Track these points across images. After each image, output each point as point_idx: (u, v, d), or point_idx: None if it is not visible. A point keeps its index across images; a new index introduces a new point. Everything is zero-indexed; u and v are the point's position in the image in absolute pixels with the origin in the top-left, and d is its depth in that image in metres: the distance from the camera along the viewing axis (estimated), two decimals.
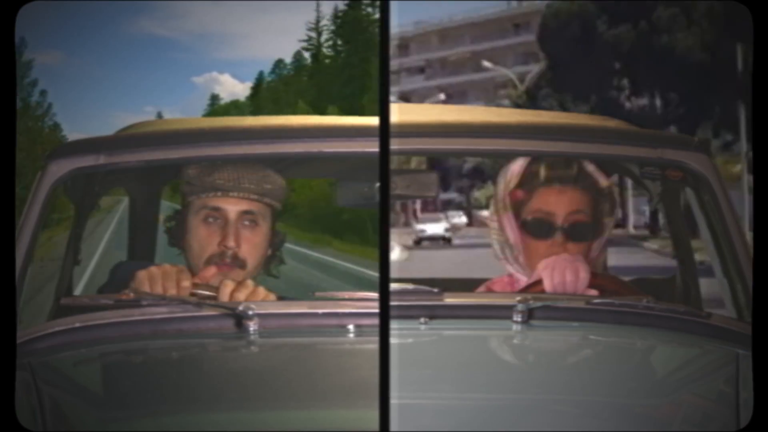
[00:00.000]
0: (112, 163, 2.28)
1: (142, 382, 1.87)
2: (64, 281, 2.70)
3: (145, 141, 2.34)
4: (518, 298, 2.07)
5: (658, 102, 29.52)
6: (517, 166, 2.46)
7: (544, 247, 2.38)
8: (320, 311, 2.04)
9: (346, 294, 2.08)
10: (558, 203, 2.40)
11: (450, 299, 2.08)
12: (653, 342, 2.09)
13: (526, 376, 1.84)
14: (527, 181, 2.44)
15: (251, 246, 2.37)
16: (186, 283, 2.22)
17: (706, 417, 1.71)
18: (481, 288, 2.52)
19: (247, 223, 2.37)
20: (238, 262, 2.35)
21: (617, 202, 2.50)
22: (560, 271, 2.28)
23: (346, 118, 2.39)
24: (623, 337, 2.08)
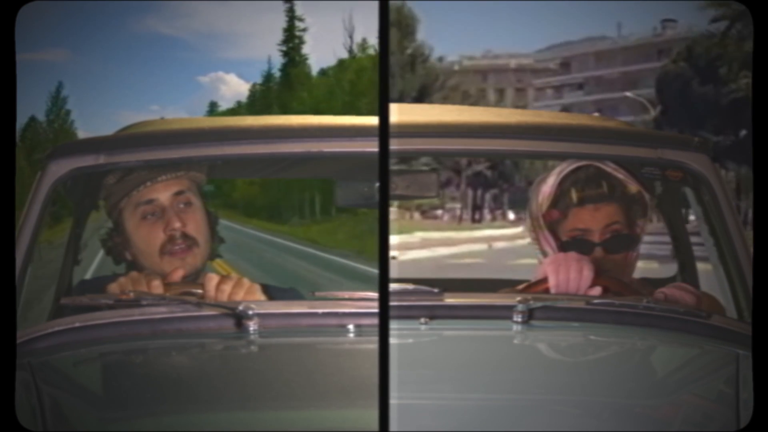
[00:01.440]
0: (112, 162, 2.28)
1: (141, 382, 1.86)
2: (64, 281, 2.70)
3: (145, 141, 2.34)
4: (518, 298, 2.07)
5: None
6: (547, 187, 2.46)
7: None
8: (320, 311, 2.04)
9: (346, 294, 2.08)
10: (593, 220, 2.42)
11: (450, 299, 2.08)
12: (653, 342, 2.09)
13: (526, 377, 1.84)
14: (560, 201, 2.45)
15: (195, 223, 2.39)
16: (156, 283, 2.21)
17: (706, 417, 1.71)
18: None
19: (182, 205, 2.39)
20: (189, 241, 2.36)
21: (648, 203, 2.50)
22: (565, 269, 2.27)
23: (345, 118, 2.39)
24: (623, 338, 2.08)
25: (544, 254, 2.49)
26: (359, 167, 2.66)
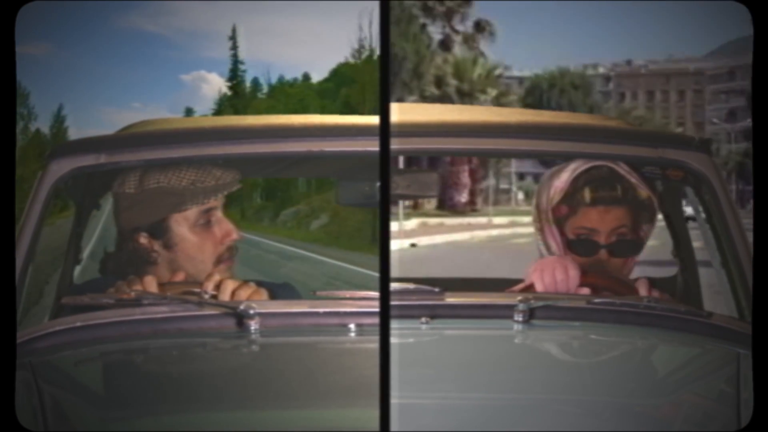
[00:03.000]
0: (113, 162, 2.28)
1: (142, 382, 1.86)
2: (65, 280, 2.70)
3: (146, 140, 2.34)
4: (519, 297, 2.07)
5: None
6: (560, 183, 2.46)
7: (587, 263, 2.39)
8: (321, 310, 2.04)
9: (347, 293, 2.08)
10: (602, 221, 2.41)
11: (451, 299, 2.08)
12: (654, 341, 2.09)
13: (526, 376, 1.84)
14: (571, 198, 2.44)
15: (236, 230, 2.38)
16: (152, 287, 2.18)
17: (707, 416, 1.71)
18: (534, 268, 2.49)
19: (220, 213, 2.37)
20: (234, 250, 2.36)
21: (657, 210, 2.50)
22: (550, 272, 2.29)
23: (346, 117, 2.39)
24: (624, 337, 2.08)
25: (548, 247, 2.48)
26: (360, 167, 2.66)
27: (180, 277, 2.29)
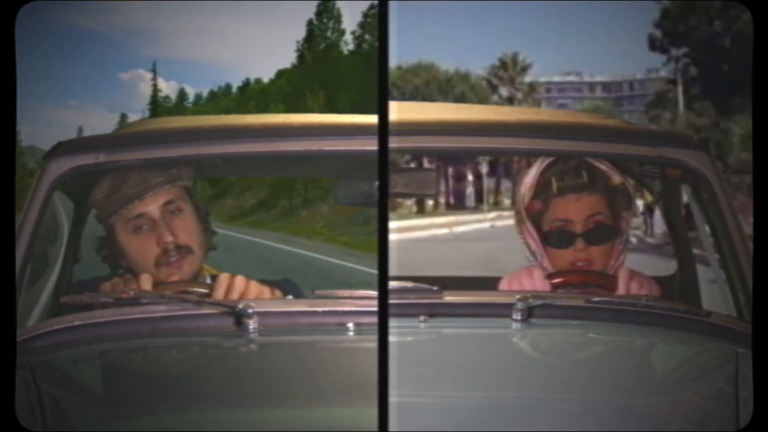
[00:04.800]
0: (112, 161, 2.28)
1: (141, 381, 1.86)
2: (64, 280, 2.70)
3: (145, 139, 2.34)
4: (518, 296, 2.07)
5: None
6: (529, 178, 2.47)
7: (568, 254, 2.40)
8: (319, 309, 2.04)
9: (346, 292, 2.08)
10: (574, 210, 2.41)
11: (449, 297, 2.08)
12: (653, 340, 2.09)
13: (525, 375, 1.84)
14: (541, 192, 2.45)
15: (186, 231, 2.38)
16: (147, 285, 2.21)
17: (706, 416, 1.71)
18: (504, 280, 2.52)
19: (171, 213, 2.38)
20: (183, 251, 2.36)
21: (633, 195, 2.50)
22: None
23: (345, 116, 2.39)
24: (623, 336, 2.08)
25: (528, 247, 2.49)
26: (359, 165, 2.66)
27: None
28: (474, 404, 1.63)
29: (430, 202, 39.60)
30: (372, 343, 1.65)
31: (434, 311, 2.04)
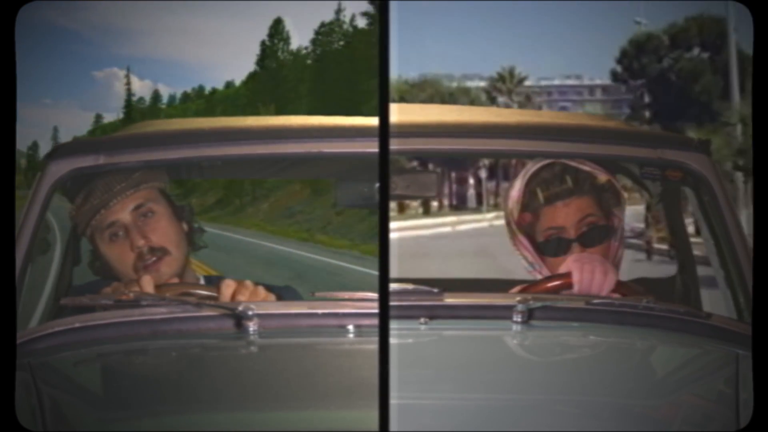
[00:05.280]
0: (112, 163, 2.28)
1: (141, 383, 1.86)
2: (64, 281, 2.70)
3: (145, 141, 2.34)
4: (518, 298, 2.07)
5: None
6: (515, 192, 2.45)
7: (565, 262, 2.38)
8: (320, 311, 2.04)
9: (346, 294, 2.08)
10: (565, 217, 2.39)
11: (450, 299, 2.08)
12: (653, 342, 2.09)
13: (526, 377, 1.84)
14: (529, 204, 2.43)
15: (160, 232, 2.38)
16: (148, 288, 2.21)
17: (706, 417, 1.71)
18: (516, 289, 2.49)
19: (142, 216, 2.38)
20: (158, 252, 2.36)
21: (620, 191, 2.48)
22: (590, 268, 2.25)
23: (345, 118, 2.39)
24: (623, 338, 2.08)
25: (525, 259, 2.47)
26: (360, 167, 2.66)
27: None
28: (475, 406, 1.63)
29: (435, 204, 42.57)
30: (372, 345, 1.65)
31: (435, 313, 2.04)
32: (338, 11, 61.36)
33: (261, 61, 65.32)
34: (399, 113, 2.31)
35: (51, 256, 3.13)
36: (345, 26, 61.00)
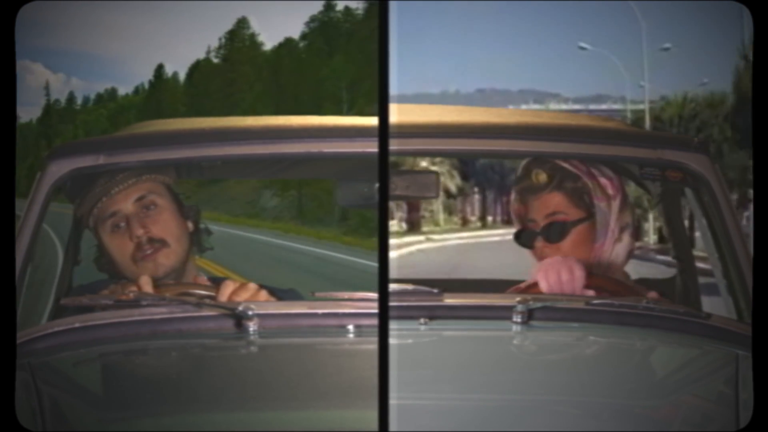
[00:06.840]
0: (112, 163, 2.28)
1: (141, 383, 1.87)
2: (64, 281, 2.70)
3: (145, 141, 2.34)
4: (518, 298, 2.07)
5: None
6: (514, 184, 2.53)
7: (535, 253, 2.41)
8: (320, 311, 2.04)
9: (346, 294, 2.08)
10: (536, 210, 2.43)
11: (450, 300, 2.08)
12: (653, 343, 2.09)
13: (525, 377, 1.84)
14: (517, 195, 2.48)
15: (161, 224, 2.39)
16: (147, 288, 2.22)
17: (706, 418, 1.71)
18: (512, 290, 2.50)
19: (144, 208, 2.39)
20: (157, 244, 2.36)
21: (626, 194, 2.47)
22: (555, 272, 2.27)
23: (345, 118, 2.39)
24: (623, 338, 2.08)
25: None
26: (359, 167, 2.66)
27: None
28: (474, 406, 1.63)
29: (490, 218, 48.33)
30: (372, 345, 1.65)
31: (434, 314, 2.04)
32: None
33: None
34: (399, 113, 2.31)
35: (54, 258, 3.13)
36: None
